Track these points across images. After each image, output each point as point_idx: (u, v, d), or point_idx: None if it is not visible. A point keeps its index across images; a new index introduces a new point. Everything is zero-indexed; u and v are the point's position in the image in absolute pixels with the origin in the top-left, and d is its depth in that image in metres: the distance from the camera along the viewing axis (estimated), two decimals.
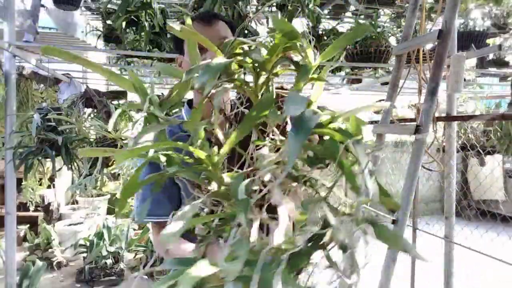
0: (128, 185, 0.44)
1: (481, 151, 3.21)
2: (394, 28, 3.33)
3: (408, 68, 1.75)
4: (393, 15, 3.38)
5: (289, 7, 2.46)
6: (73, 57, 0.47)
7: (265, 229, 0.45)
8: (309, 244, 0.41)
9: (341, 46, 0.50)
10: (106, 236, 3.57)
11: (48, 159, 2.19)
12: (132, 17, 2.47)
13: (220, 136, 0.53)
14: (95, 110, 2.66)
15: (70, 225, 4.17)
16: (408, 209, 1.39)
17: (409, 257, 2.04)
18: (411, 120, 2.07)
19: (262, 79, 0.52)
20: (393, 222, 1.41)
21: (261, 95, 0.52)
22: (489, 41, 3.16)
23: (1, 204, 2.78)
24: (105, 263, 3.40)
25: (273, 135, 0.50)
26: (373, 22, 2.71)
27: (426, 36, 1.47)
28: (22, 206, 3.94)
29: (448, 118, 1.84)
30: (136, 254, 3.70)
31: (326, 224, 0.42)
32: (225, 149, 0.47)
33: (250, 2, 2.49)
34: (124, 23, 2.49)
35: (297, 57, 0.51)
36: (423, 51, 1.70)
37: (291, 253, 0.38)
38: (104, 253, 3.43)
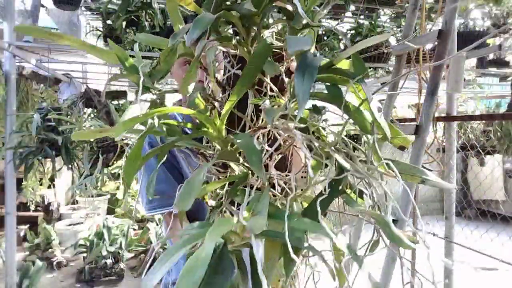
0: (131, 157, 0.42)
1: (481, 151, 3.20)
2: (394, 28, 3.33)
3: (408, 68, 1.74)
4: (393, 15, 3.37)
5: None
6: (48, 34, 0.46)
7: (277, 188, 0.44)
8: (329, 190, 0.41)
9: None
10: (106, 236, 3.57)
11: (48, 159, 2.19)
12: (132, 17, 2.47)
13: (217, 98, 0.51)
14: (95, 110, 2.66)
15: (70, 225, 4.17)
16: (408, 209, 1.39)
17: (409, 257, 2.03)
18: (411, 120, 2.07)
19: (252, 33, 0.49)
20: (393, 222, 1.41)
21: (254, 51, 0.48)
22: (489, 41, 3.15)
23: (1, 204, 2.78)
24: (105, 263, 3.40)
25: (271, 91, 0.49)
26: (373, 22, 2.70)
27: (426, 36, 1.47)
28: (22, 206, 3.94)
29: (448, 118, 1.83)
30: (136, 254, 3.69)
31: (340, 171, 0.41)
32: (225, 109, 0.45)
33: None
34: (124, 23, 2.49)
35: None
36: (423, 51, 1.69)
37: (314, 200, 0.37)
38: (104, 253, 3.43)
